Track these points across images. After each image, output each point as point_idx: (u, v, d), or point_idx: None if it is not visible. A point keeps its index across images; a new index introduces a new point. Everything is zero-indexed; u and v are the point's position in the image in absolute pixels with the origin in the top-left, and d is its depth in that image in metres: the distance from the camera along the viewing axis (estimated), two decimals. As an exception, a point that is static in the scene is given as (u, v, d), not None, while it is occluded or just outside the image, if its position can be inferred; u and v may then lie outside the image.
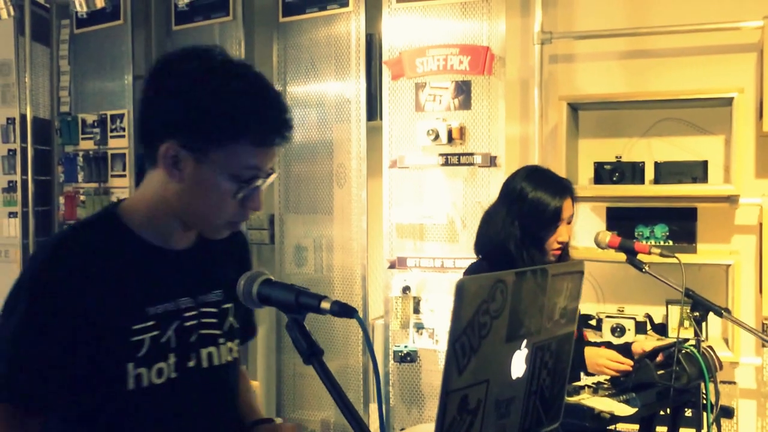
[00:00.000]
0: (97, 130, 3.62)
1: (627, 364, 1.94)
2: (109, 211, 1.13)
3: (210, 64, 1.06)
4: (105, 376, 1.05)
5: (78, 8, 3.19)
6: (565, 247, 2.02)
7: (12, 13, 3.39)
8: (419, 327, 2.92)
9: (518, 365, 0.95)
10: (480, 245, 2.04)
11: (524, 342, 0.94)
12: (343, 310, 0.92)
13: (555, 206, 1.93)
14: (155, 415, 1.10)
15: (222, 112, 1.02)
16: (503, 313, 0.88)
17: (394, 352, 2.92)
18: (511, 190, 2.00)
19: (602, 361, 1.97)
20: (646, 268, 1.88)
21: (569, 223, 1.99)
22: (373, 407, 3.08)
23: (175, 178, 1.07)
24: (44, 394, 1.04)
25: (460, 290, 0.80)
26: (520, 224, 1.94)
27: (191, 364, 1.13)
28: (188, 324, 1.12)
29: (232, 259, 1.23)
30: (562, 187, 1.98)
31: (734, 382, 2.73)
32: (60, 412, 1.09)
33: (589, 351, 2.02)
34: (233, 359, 1.21)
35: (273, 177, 1.10)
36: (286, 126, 1.07)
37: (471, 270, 2.05)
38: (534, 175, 2.01)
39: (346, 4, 3.12)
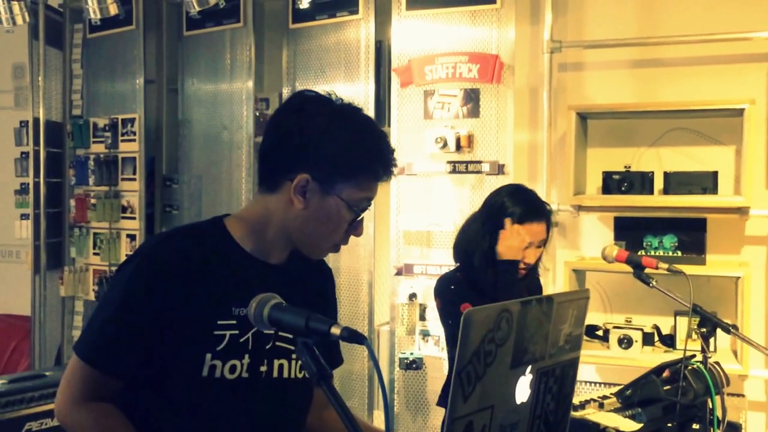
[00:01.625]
0: (108, 133, 3.65)
1: None
2: (217, 220, 1.27)
3: (332, 108, 1.22)
4: (185, 359, 1.15)
5: (92, 15, 3.22)
6: (532, 270, 2.04)
7: (27, 19, 3.43)
8: (425, 334, 2.92)
9: (523, 390, 0.96)
10: (455, 253, 2.10)
11: (529, 368, 0.95)
12: (353, 336, 0.94)
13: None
14: (221, 408, 1.18)
15: (349, 151, 1.18)
16: (508, 340, 0.88)
17: (400, 359, 2.93)
18: (491, 205, 2.02)
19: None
20: (654, 282, 1.87)
21: (539, 247, 2.00)
22: (378, 414, 3.09)
23: (301, 204, 1.19)
24: (127, 366, 1.17)
25: (467, 321, 0.81)
26: (491, 238, 1.97)
27: (263, 369, 1.20)
28: (266, 331, 1.19)
29: (317, 289, 1.34)
30: (539, 211, 1.99)
31: (743, 395, 2.71)
32: (138, 383, 1.19)
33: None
34: (304, 377, 1.26)
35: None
36: (394, 163, 1.23)
37: (444, 279, 2.09)
38: (516, 194, 2.02)
39: (356, 12, 3.13)
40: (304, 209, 1.19)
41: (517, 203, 1.98)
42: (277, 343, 1.22)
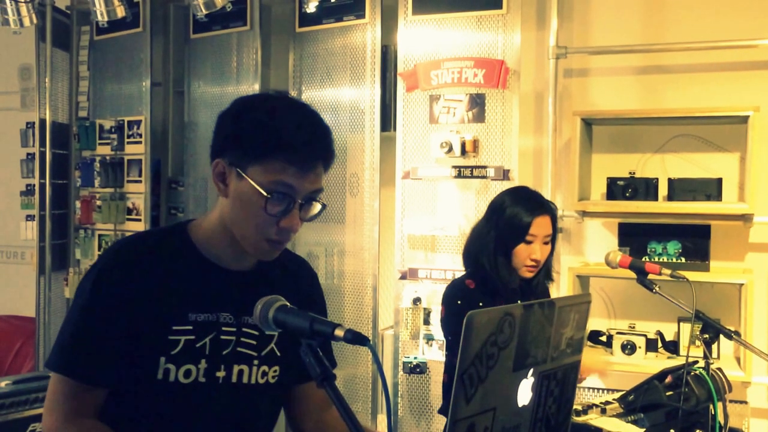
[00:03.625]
0: (114, 135, 3.67)
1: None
2: (179, 225, 1.26)
3: (261, 96, 1.20)
4: (141, 363, 1.16)
5: (99, 18, 3.24)
6: (544, 268, 2.04)
7: (34, 20, 3.45)
8: (429, 338, 2.93)
9: (524, 393, 0.96)
10: (464, 257, 2.10)
11: (531, 371, 0.95)
12: (357, 338, 0.95)
13: (526, 221, 1.96)
14: (178, 412, 1.18)
15: (260, 129, 1.12)
16: (510, 344, 0.89)
17: (404, 363, 2.93)
18: (494, 204, 2.05)
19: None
20: (657, 288, 1.87)
21: (546, 243, 2.00)
22: (381, 418, 3.09)
23: (222, 193, 1.17)
24: (98, 372, 1.16)
25: (469, 324, 0.82)
26: (495, 236, 1.99)
27: (220, 374, 1.19)
28: (225, 338, 1.20)
29: (294, 293, 1.27)
30: (540, 205, 2.01)
31: (746, 402, 2.71)
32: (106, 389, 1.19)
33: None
34: (267, 383, 1.25)
35: (316, 206, 1.16)
36: (322, 151, 1.14)
37: (453, 288, 2.06)
38: (517, 192, 2.06)
39: (362, 16, 3.14)
40: (227, 197, 1.16)
41: (516, 201, 2.00)
42: (239, 349, 1.21)
